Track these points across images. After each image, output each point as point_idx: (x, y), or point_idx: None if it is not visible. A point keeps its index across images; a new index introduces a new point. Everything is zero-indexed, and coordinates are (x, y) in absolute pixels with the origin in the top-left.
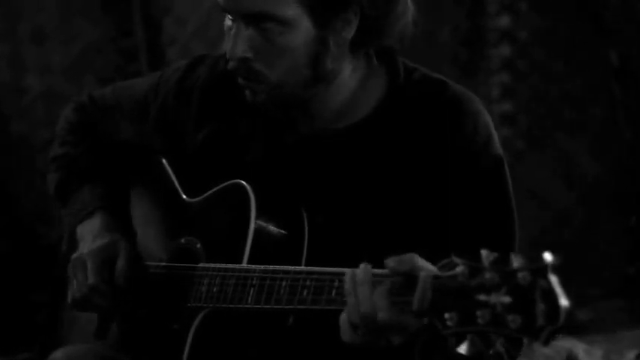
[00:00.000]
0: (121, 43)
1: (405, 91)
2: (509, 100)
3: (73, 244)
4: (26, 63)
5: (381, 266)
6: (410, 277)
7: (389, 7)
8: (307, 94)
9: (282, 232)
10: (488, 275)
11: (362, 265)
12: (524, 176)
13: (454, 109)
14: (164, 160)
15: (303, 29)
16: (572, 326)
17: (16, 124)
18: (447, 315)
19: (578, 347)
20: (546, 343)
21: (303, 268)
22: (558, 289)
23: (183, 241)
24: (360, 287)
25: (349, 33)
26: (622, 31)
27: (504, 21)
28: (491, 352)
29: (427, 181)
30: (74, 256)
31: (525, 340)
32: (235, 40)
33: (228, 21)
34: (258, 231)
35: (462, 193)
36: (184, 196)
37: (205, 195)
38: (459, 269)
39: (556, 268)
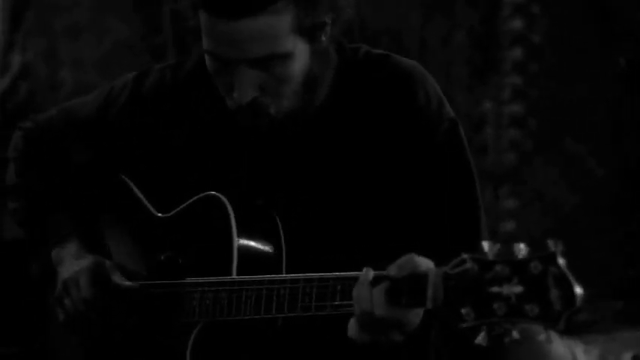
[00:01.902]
0: (151, 40)
1: (353, 69)
2: (519, 102)
3: (48, 268)
4: (61, 58)
5: (367, 254)
6: (419, 276)
7: None
8: (299, 106)
9: (262, 238)
10: (498, 268)
11: (364, 269)
12: (531, 177)
13: (403, 79)
14: (127, 179)
15: (301, 53)
16: (572, 326)
17: None
18: (463, 310)
19: (576, 347)
20: (566, 327)
21: (300, 275)
22: (569, 274)
23: (162, 258)
24: (359, 286)
25: (327, 35)
26: (631, 37)
27: (517, 24)
28: (507, 339)
29: (389, 155)
30: (63, 277)
31: (542, 327)
32: (242, 87)
33: (213, 63)
34: (242, 242)
35: (423, 159)
36: (156, 213)
37: (178, 209)
38: (469, 265)
39: (562, 253)
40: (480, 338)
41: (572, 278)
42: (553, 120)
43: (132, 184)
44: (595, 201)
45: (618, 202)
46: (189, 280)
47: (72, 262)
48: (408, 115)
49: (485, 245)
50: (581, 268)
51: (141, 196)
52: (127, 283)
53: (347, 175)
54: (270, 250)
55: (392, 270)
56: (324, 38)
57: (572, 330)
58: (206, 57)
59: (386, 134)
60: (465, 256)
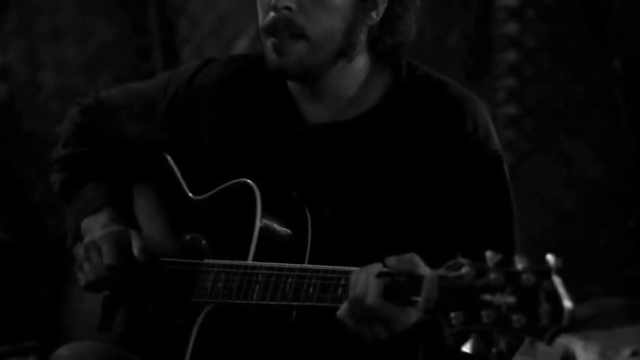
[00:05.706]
0: (136, 42)
1: (408, 87)
2: (514, 104)
3: (79, 238)
4: (42, 60)
5: (382, 262)
6: (416, 277)
7: (408, 4)
8: (329, 68)
9: (287, 230)
10: (493, 276)
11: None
12: (528, 177)
13: (455, 107)
14: (169, 158)
15: None
16: (572, 324)
17: (30, 120)
18: (452, 314)
19: (575, 343)
20: (550, 342)
21: (309, 265)
22: (562, 291)
23: (188, 237)
24: (361, 272)
25: (377, 15)
26: (625, 37)
27: (511, 27)
28: (494, 350)
29: (428, 176)
30: (86, 241)
31: (527, 339)
32: None
33: None
34: (264, 229)
35: (461, 189)
36: (190, 194)
37: (211, 193)
38: (465, 270)
39: (559, 270)
40: (468, 345)
41: (564, 295)
42: (549, 121)
43: (173, 163)
44: (592, 199)
45: (615, 201)
46: (206, 261)
47: (97, 231)
48: (453, 141)
49: (488, 254)
50: (580, 266)
51: (179, 175)
52: (144, 256)
53: (383, 183)
54: (294, 243)
55: (391, 260)
56: (372, 14)
57: (572, 327)
58: None
59: (428, 154)
60: (462, 260)
